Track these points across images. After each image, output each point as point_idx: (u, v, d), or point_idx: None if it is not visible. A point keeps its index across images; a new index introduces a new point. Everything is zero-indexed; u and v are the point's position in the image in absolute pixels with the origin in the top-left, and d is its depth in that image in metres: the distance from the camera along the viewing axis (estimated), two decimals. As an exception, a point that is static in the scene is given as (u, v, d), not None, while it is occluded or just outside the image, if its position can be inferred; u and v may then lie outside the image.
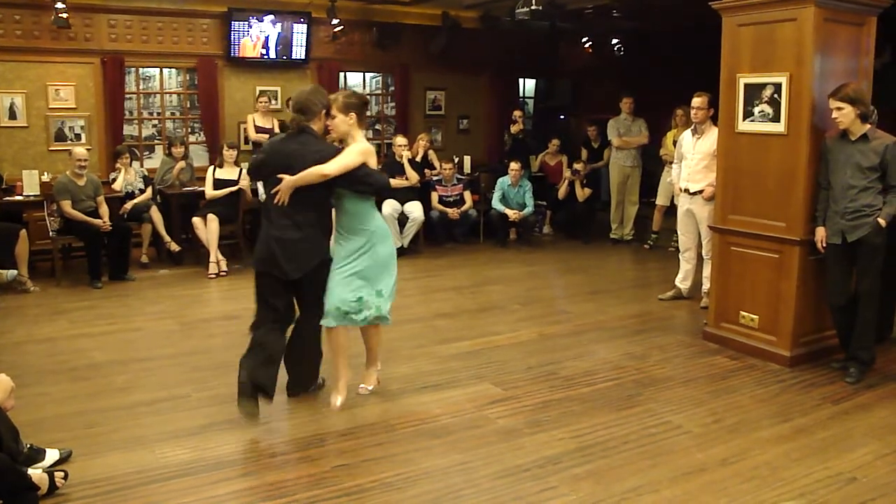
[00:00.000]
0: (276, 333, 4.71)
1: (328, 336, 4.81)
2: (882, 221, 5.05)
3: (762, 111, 5.53)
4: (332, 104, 4.67)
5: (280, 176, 4.52)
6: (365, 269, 4.70)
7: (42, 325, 6.61)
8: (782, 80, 5.35)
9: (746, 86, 5.62)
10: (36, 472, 3.64)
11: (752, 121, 5.62)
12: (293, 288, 4.73)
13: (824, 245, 5.29)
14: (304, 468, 3.98)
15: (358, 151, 4.63)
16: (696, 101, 7.01)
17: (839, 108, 5.04)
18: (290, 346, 4.82)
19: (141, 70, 10.35)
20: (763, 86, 5.50)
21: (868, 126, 5.11)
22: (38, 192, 8.56)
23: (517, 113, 11.35)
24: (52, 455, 3.94)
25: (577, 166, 10.81)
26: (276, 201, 4.55)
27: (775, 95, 5.42)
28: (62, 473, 3.72)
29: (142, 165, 9.96)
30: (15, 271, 7.52)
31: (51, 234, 8.18)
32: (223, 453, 4.14)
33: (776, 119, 5.45)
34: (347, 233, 4.72)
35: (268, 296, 4.71)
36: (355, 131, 4.73)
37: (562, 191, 10.80)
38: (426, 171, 10.34)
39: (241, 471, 3.95)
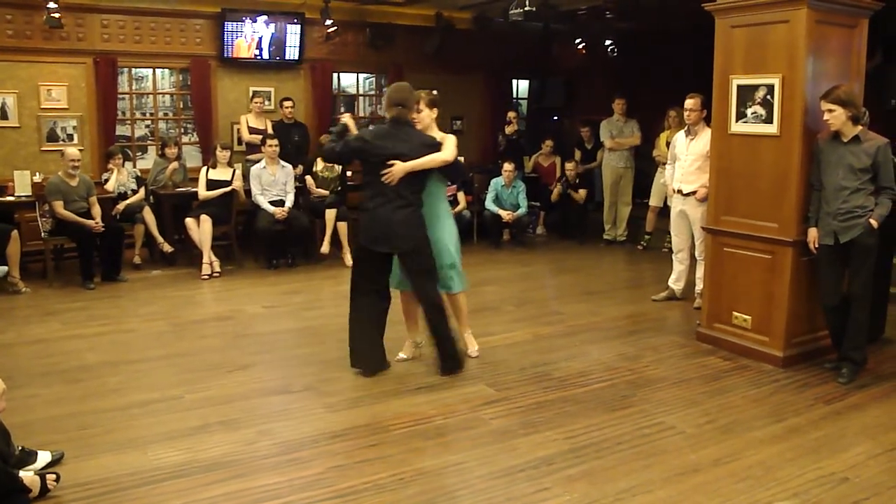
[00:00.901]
0: (377, 304, 5.41)
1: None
2: (874, 222, 5.06)
3: (755, 112, 5.54)
4: (420, 100, 5.37)
5: (391, 161, 5.12)
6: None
7: (34, 326, 6.59)
8: (775, 81, 5.37)
9: (739, 87, 5.63)
10: (27, 475, 3.63)
11: (744, 122, 5.63)
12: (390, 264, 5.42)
13: (816, 246, 5.30)
14: (297, 470, 3.97)
15: (454, 143, 5.38)
16: (690, 102, 7.03)
17: (830, 110, 5.06)
18: (374, 324, 5.42)
19: (134, 70, 10.32)
20: (756, 87, 5.51)
21: (860, 127, 5.12)
22: (30, 193, 8.52)
23: (511, 114, 11.38)
24: (43, 457, 3.92)
25: (569, 166, 10.82)
26: (386, 182, 5.15)
27: (768, 97, 5.43)
28: (54, 476, 3.71)
29: (134, 166, 9.95)
30: (6, 268, 7.49)
31: (42, 234, 8.16)
32: (216, 455, 4.13)
33: (769, 120, 5.46)
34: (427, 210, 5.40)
35: (373, 272, 5.36)
36: (434, 124, 5.49)
37: (554, 195, 10.82)
38: (419, 171, 10.33)
39: (234, 472, 3.93)
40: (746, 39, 5.58)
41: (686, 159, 7.11)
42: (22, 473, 3.62)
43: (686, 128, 7.21)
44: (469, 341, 5.81)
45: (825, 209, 5.23)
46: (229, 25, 10.35)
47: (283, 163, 9.13)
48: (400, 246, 5.24)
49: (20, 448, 3.89)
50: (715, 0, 5.76)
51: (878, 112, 6.94)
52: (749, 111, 5.58)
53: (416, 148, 5.21)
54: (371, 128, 5.40)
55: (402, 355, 5.70)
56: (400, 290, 5.61)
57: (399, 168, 5.12)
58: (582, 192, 10.76)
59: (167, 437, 4.34)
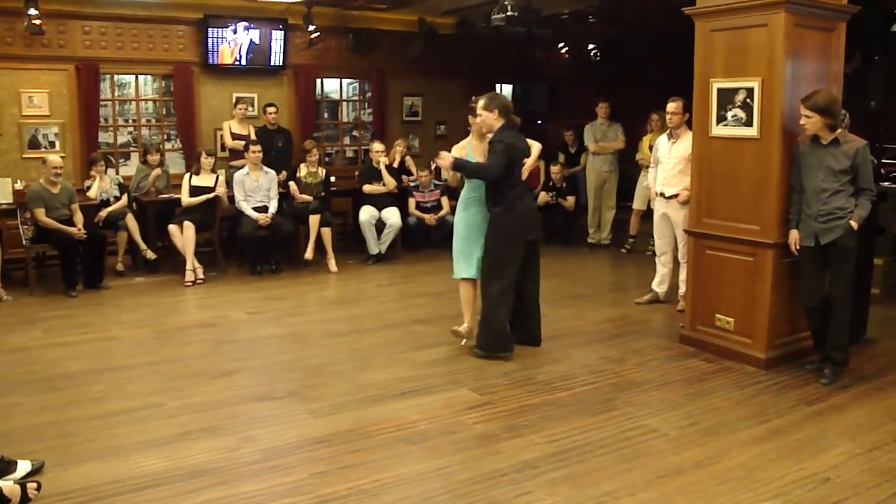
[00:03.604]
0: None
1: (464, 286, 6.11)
2: (854, 224, 5.10)
3: (735, 115, 5.57)
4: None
5: (525, 160, 5.88)
6: None
7: (15, 334, 6.54)
8: (754, 84, 5.40)
9: (720, 90, 5.66)
10: (7, 484, 3.60)
11: (725, 125, 5.66)
12: None
13: (798, 247, 5.33)
14: (279, 476, 3.96)
15: None
16: (671, 105, 7.07)
17: (808, 116, 5.10)
18: (525, 306, 6.08)
19: (116, 77, 10.27)
20: (736, 90, 5.54)
21: (839, 130, 5.16)
22: (11, 201, 8.47)
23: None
24: (23, 466, 3.89)
25: (554, 169, 10.83)
26: (523, 178, 5.89)
27: (748, 100, 5.46)
28: (35, 484, 3.68)
29: (117, 173, 9.89)
30: None
31: (24, 242, 8.11)
32: (199, 462, 4.11)
33: (749, 123, 5.49)
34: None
35: (524, 263, 5.89)
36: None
37: (540, 200, 10.80)
38: (403, 177, 10.34)
39: (216, 479, 3.91)
40: (726, 43, 5.62)
41: (668, 162, 7.15)
42: (1, 483, 3.59)
43: (668, 131, 7.24)
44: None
45: (806, 211, 5.27)
46: (212, 31, 10.32)
47: (266, 169, 9.11)
48: (540, 231, 6.18)
49: (0, 457, 3.85)
50: (695, 4, 5.79)
51: (858, 114, 7.00)
52: (729, 114, 5.61)
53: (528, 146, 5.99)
54: (502, 134, 5.72)
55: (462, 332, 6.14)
56: (473, 278, 6.05)
57: (530, 163, 5.96)
58: (571, 200, 10.77)
59: (149, 444, 4.32)
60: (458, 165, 5.77)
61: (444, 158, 5.79)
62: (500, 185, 5.72)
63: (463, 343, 6.05)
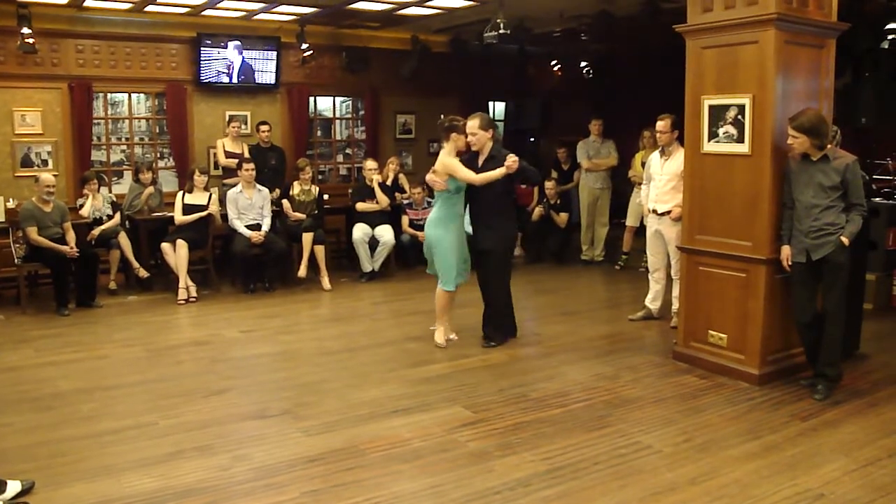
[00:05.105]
0: None
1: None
2: (845, 240, 5.11)
3: (727, 132, 5.60)
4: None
5: None
6: None
7: (6, 353, 6.50)
8: (745, 101, 5.43)
9: (711, 107, 5.68)
10: (-3, 505, 3.58)
11: (717, 142, 5.68)
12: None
13: (790, 264, 5.35)
14: (272, 495, 3.93)
15: None
16: (660, 124, 7.09)
17: (794, 137, 5.12)
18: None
19: (109, 95, 10.28)
20: (727, 107, 5.57)
21: (829, 147, 5.18)
22: (4, 219, 8.46)
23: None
24: (13, 487, 3.85)
25: (548, 185, 10.85)
26: None
27: (739, 117, 5.49)
28: (24, 505, 3.66)
29: (110, 191, 9.88)
30: None
31: (16, 261, 8.09)
32: (191, 481, 4.08)
33: (740, 140, 5.51)
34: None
35: None
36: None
37: (535, 214, 10.83)
38: (396, 194, 10.34)
39: (208, 499, 3.88)
40: (717, 60, 5.65)
41: (660, 179, 7.16)
42: (-9, 504, 3.57)
43: (660, 148, 7.26)
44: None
45: (797, 227, 5.28)
46: (205, 50, 10.35)
47: (259, 187, 9.11)
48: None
49: (-11, 478, 3.83)
50: (685, 22, 5.83)
51: (849, 130, 7.04)
52: (721, 131, 5.64)
53: None
54: (501, 150, 6.50)
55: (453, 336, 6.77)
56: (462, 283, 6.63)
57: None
58: (563, 216, 10.78)
59: (141, 464, 4.29)
60: (524, 169, 6.40)
61: (516, 162, 6.25)
62: (508, 196, 6.54)
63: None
